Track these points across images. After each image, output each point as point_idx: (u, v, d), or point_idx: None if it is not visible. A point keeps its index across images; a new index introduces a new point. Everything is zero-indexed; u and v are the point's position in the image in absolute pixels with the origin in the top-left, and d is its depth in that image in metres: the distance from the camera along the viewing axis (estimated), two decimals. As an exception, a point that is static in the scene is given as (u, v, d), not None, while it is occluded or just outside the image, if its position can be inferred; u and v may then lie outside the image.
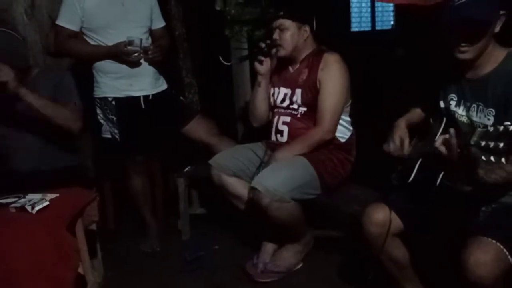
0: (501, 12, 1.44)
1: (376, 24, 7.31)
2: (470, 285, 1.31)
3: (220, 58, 2.13)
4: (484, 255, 1.29)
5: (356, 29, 7.20)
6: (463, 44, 1.44)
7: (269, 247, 2.19)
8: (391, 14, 7.20)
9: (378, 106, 3.48)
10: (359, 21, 7.25)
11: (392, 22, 7.19)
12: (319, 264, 2.16)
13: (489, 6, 1.39)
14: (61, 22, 2.26)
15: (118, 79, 2.31)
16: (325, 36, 2.23)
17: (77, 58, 2.41)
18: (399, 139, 1.75)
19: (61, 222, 1.52)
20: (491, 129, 1.18)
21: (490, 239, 1.32)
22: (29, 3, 2.64)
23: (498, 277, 1.30)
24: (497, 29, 1.45)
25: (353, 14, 7.07)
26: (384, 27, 7.27)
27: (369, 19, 7.26)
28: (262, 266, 2.13)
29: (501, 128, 1.15)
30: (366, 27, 7.30)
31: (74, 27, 2.25)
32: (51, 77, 1.98)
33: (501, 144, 1.14)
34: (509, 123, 1.15)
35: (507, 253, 1.32)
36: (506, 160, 1.16)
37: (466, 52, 1.45)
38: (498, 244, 1.31)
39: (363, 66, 4.45)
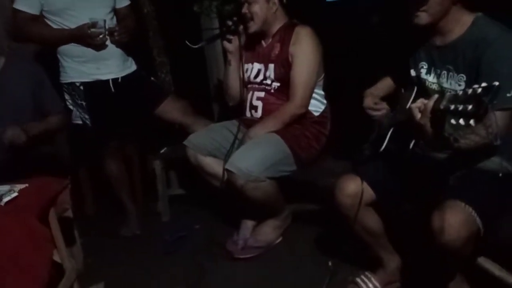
0: None
1: (352, -8, 7.24)
2: (440, 248, 1.33)
3: (187, 42, 2.08)
4: (452, 217, 1.31)
5: (332, -1, 7.12)
6: (414, 9, 1.43)
7: (248, 224, 2.21)
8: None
9: (353, 77, 3.47)
10: (334, -10, 7.16)
11: (367, -10, 7.11)
12: (298, 238, 2.19)
13: None
14: (19, 5, 2.17)
15: (84, 63, 2.25)
16: (298, 7, 2.20)
17: (40, 43, 2.34)
18: (372, 103, 1.74)
19: (31, 212, 1.49)
20: (460, 92, 1.18)
21: (458, 202, 1.34)
22: (-12, -15, 2.53)
23: (466, 239, 1.32)
24: None
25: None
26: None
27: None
28: (242, 242, 2.15)
29: (470, 91, 1.15)
30: (342, -4, 7.23)
31: (34, 10, 2.17)
32: (21, 69, 1.93)
33: (470, 107, 1.13)
34: (477, 86, 1.15)
35: (476, 215, 1.34)
36: (475, 123, 1.16)
37: (419, 17, 1.44)
38: (466, 206, 1.33)
39: (338, 36, 4.43)
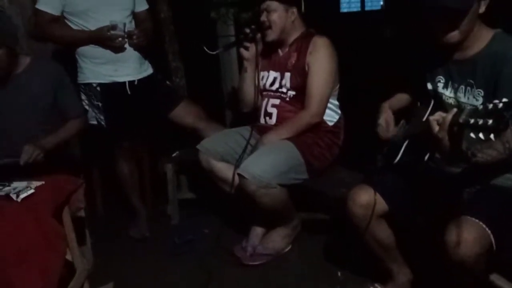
0: None
1: (366, 4, 7.27)
2: (453, 264, 1.33)
3: (204, 48, 2.10)
4: (466, 234, 1.31)
5: (346, 10, 7.15)
6: (445, 30, 1.43)
7: (258, 231, 2.21)
8: (381, -6, 7.16)
9: (367, 88, 3.47)
10: (348, 1, 7.20)
11: (381, 3, 7.14)
12: (307, 247, 2.19)
13: None
14: (41, 6, 2.20)
15: (102, 64, 2.28)
16: (314, 18, 2.21)
17: (59, 43, 2.37)
18: (385, 121, 1.76)
19: (46, 209, 1.51)
20: (480, 106, 1.18)
21: (472, 218, 1.34)
22: (11, -15, 2.58)
23: (480, 256, 1.32)
24: (482, 9, 1.44)
25: (342, -5, 7.02)
26: (374, 8, 7.23)
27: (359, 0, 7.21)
28: (251, 249, 2.15)
29: (490, 105, 1.15)
30: (356, 7, 7.26)
31: (55, 11, 2.20)
32: (45, 70, 1.96)
33: (490, 121, 1.13)
34: (497, 101, 1.15)
35: (489, 232, 1.33)
36: (494, 138, 1.16)
37: (451, 37, 1.44)
38: (480, 223, 1.33)
39: (353, 48, 4.44)
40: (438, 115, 1.31)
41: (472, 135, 1.16)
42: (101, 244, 2.24)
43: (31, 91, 1.91)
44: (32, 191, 1.56)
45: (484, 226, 1.33)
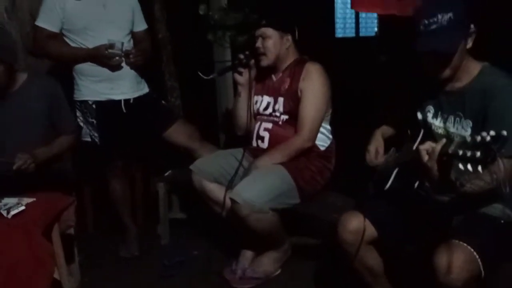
0: (471, 29, 1.47)
1: (360, 30, 7.40)
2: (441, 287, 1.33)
3: (199, 73, 2.13)
4: (456, 257, 1.33)
5: (341, 35, 7.28)
6: (435, 65, 1.48)
7: (248, 254, 2.21)
8: (375, 21, 7.29)
9: (360, 113, 3.52)
10: (343, 27, 7.33)
11: (376, 29, 7.28)
12: (297, 271, 2.18)
13: (452, 34, 1.42)
14: (41, 22, 2.23)
15: (98, 82, 2.30)
16: (309, 42, 2.26)
17: (57, 60, 2.39)
18: (374, 149, 1.79)
19: (36, 227, 1.51)
20: (469, 138, 1.21)
21: (461, 243, 1.36)
22: (10, 1, 2.61)
23: (468, 281, 1.33)
24: (469, 45, 1.49)
25: (337, 20, 7.15)
26: (368, 34, 7.36)
27: (353, 25, 7.34)
28: (240, 272, 2.14)
29: (479, 138, 1.18)
30: (351, 33, 7.39)
31: (54, 28, 2.23)
32: (41, 86, 1.98)
33: (478, 153, 1.17)
34: (486, 133, 1.19)
35: (477, 257, 1.35)
36: (482, 169, 1.19)
37: (441, 72, 1.49)
38: (469, 247, 1.35)
39: (347, 73, 4.52)
40: (428, 144, 1.34)
41: (460, 166, 1.19)
42: (89, 262, 2.22)
43: (26, 108, 1.92)
44: (23, 208, 1.56)
45: (472, 250, 1.35)
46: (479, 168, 1.15)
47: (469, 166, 1.17)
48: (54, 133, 2.02)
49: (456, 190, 1.33)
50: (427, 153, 1.32)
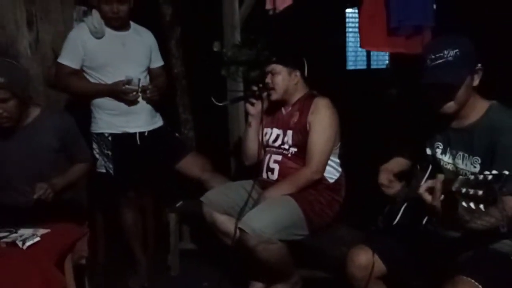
0: (478, 66, 1.51)
1: (372, 62, 7.49)
2: None
3: (212, 99, 2.20)
4: None
5: (352, 67, 7.37)
6: (441, 101, 1.51)
7: (257, 286, 2.20)
8: (386, 53, 7.39)
9: (370, 146, 3.54)
10: (354, 59, 7.43)
11: (387, 61, 7.37)
12: (306, 305, 2.16)
13: (458, 68, 1.46)
14: (63, 60, 2.34)
15: (115, 115, 2.38)
16: (320, 74, 2.31)
17: (77, 95, 2.49)
18: (386, 179, 1.80)
19: (50, 258, 1.54)
20: (472, 177, 1.24)
21: (468, 278, 1.36)
22: (33, 37, 2.76)
23: None
24: (475, 82, 1.52)
25: (349, 53, 7.26)
26: (380, 66, 7.44)
27: (365, 57, 7.43)
28: (249, 305, 2.13)
29: (481, 177, 1.21)
30: (362, 65, 7.48)
31: (75, 65, 2.34)
32: (54, 121, 2.00)
33: (480, 192, 1.19)
34: (488, 172, 1.21)
35: None
36: (484, 208, 1.20)
37: (447, 108, 1.52)
38: (476, 283, 1.35)
39: (357, 105, 4.55)
40: (430, 183, 1.36)
41: (464, 203, 1.21)
42: (99, 293, 2.23)
43: (37, 142, 1.94)
44: (38, 239, 1.59)
45: (480, 286, 1.35)
46: (481, 206, 1.17)
47: (471, 204, 1.19)
48: (64, 166, 2.04)
49: (462, 226, 1.34)
50: (430, 193, 1.34)
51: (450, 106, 1.51)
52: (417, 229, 1.58)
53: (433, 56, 1.48)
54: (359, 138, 3.60)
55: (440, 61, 1.46)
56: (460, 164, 1.56)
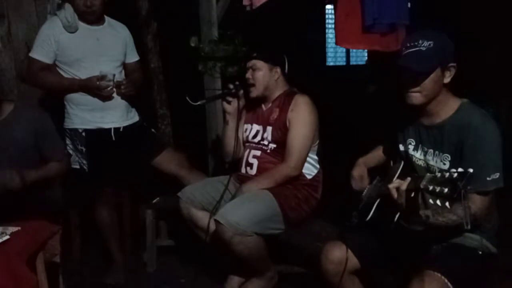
0: (451, 64, 1.54)
1: (351, 59, 7.56)
2: None
3: (187, 99, 2.19)
4: (429, 286, 1.35)
5: (332, 64, 7.43)
6: (409, 90, 1.54)
7: (234, 281, 2.21)
8: (365, 50, 7.46)
9: (348, 143, 3.58)
10: (334, 55, 7.49)
11: (366, 58, 7.45)
12: (283, 299, 2.19)
13: (427, 58, 1.49)
14: (35, 54, 2.29)
15: (89, 111, 2.34)
16: (300, 70, 2.32)
17: (50, 90, 2.43)
18: (358, 174, 1.83)
19: (20, 257, 1.51)
20: (438, 175, 1.27)
21: (435, 272, 1.40)
22: (5, 30, 2.68)
23: None
24: (447, 79, 1.55)
25: (328, 49, 7.31)
26: (359, 63, 7.52)
27: (344, 54, 7.50)
28: (226, 300, 2.13)
29: (447, 174, 1.24)
30: (341, 62, 7.54)
31: (48, 60, 2.28)
32: (27, 118, 1.96)
33: (446, 190, 1.23)
34: (454, 170, 1.24)
35: (451, 286, 1.38)
36: (449, 205, 1.24)
37: (414, 98, 1.54)
38: (443, 277, 1.39)
39: (337, 101, 4.61)
40: (398, 182, 1.41)
41: (431, 200, 1.24)
42: (74, 290, 2.21)
43: (11, 139, 1.90)
44: (7, 237, 1.56)
45: (446, 280, 1.39)
46: (447, 203, 1.21)
47: (438, 201, 1.22)
48: (39, 163, 2.00)
49: (423, 223, 1.37)
50: (397, 190, 1.38)
51: (417, 96, 1.53)
52: (389, 224, 1.61)
53: (408, 44, 1.52)
54: (338, 135, 3.64)
55: (413, 49, 1.50)
56: (431, 160, 1.60)
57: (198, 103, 2.26)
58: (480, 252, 1.51)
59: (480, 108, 1.55)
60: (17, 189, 1.81)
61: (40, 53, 2.27)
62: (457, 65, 1.54)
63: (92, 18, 2.31)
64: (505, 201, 1.62)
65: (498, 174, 1.44)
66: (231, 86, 2.24)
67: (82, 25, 2.31)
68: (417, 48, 1.49)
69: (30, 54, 2.30)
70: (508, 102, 4.29)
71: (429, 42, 1.49)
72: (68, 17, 2.25)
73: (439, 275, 1.39)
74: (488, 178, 1.43)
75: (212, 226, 2.04)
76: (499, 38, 4.24)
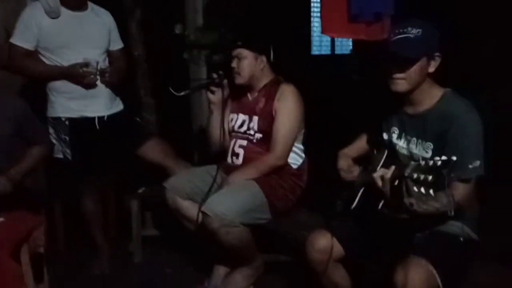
0: (436, 54, 1.56)
1: (336, 48, 7.56)
2: None
3: (171, 89, 2.17)
4: (414, 274, 1.39)
5: (317, 53, 7.42)
6: (393, 76, 1.55)
7: (221, 270, 2.22)
8: (350, 39, 7.46)
9: (334, 132, 3.60)
10: (319, 44, 7.49)
11: (351, 47, 7.46)
12: (269, 288, 2.21)
13: (415, 45, 1.50)
14: (16, 40, 2.23)
15: (72, 99, 2.30)
16: (285, 59, 2.31)
17: (32, 78, 2.38)
18: (346, 165, 1.84)
19: (4, 248, 1.49)
20: (423, 163, 1.29)
21: (420, 259, 1.43)
22: (-17, 14, 2.60)
23: None
24: (431, 69, 1.56)
25: (313, 37, 7.30)
26: (344, 52, 7.53)
27: (329, 43, 7.50)
28: (212, 289, 2.15)
29: (431, 162, 1.26)
30: (326, 51, 7.54)
31: (29, 46, 2.23)
32: (7, 107, 1.93)
33: (430, 177, 1.25)
34: (438, 158, 1.26)
35: (436, 273, 1.42)
36: (434, 192, 1.26)
37: (398, 84, 1.55)
38: (427, 264, 1.42)
39: (322, 90, 4.62)
40: (382, 171, 1.43)
41: (415, 188, 1.27)
42: (59, 281, 2.19)
43: None
44: (-10, 228, 1.54)
45: (431, 267, 1.42)
46: (431, 191, 1.23)
47: (422, 189, 1.24)
48: (20, 151, 1.98)
49: (407, 210, 1.40)
50: (381, 179, 1.40)
51: (401, 83, 1.54)
52: (374, 212, 1.64)
53: (396, 31, 1.53)
54: (323, 123, 3.66)
55: (401, 36, 1.51)
56: (414, 149, 1.62)
57: (182, 93, 2.24)
58: (462, 239, 1.55)
59: (462, 97, 1.58)
60: (9, 191, 1.79)
61: (22, 39, 2.22)
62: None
63: (75, 3, 2.26)
64: (486, 189, 1.65)
65: (478, 162, 1.47)
66: (215, 76, 2.22)
67: (64, 10, 2.25)
68: (406, 35, 1.50)
69: (11, 40, 2.24)
70: (490, 92, 4.38)
71: (417, 30, 1.50)
72: (50, 2, 2.19)
73: (423, 261, 1.42)
74: (470, 166, 1.46)
75: (199, 217, 2.04)
76: (496, 32, 4.32)
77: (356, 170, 1.82)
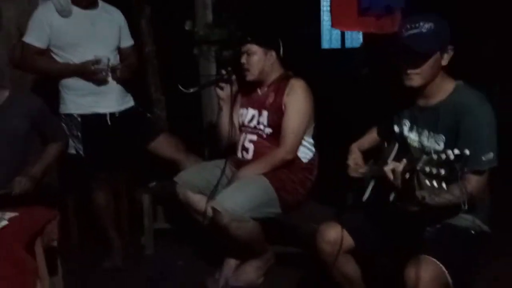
0: (449, 46, 1.55)
1: (346, 42, 7.51)
2: None
3: (180, 86, 2.18)
4: (424, 273, 1.38)
5: (327, 47, 7.38)
6: (408, 72, 1.53)
7: (231, 263, 2.24)
8: (360, 32, 7.40)
9: (344, 124, 3.59)
10: (329, 38, 7.44)
11: (361, 41, 7.40)
12: (279, 280, 2.22)
13: (429, 40, 1.49)
14: (28, 39, 2.26)
15: (84, 96, 2.33)
16: (295, 53, 2.31)
17: (44, 75, 2.42)
18: (353, 161, 1.85)
19: (18, 242, 1.52)
20: (435, 156, 1.28)
21: (431, 258, 1.42)
22: (-3, 14, 2.64)
23: None
24: (444, 62, 1.55)
25: (323, 32, 7.25)
26: (354, 45, 7.47)
27: (339, 37, 7.44)
28: (223, 281, 2.17)
29: (444, 156, 1.25)
30: (336, 45, 7.49)
31: (42, 45, 2.26)
32: (23, 104, 1.95)
33: (442, 171, 1.24)
34: (451, 152, 1.25)
35: (446, 272, 1.41)
36: (446, 186, 1.26)
37: (412, 80, 1.54)
38: (438, 263, 1.41)
39: (332, 84, 4.60)
40: (393, 164, 1.42)
41: (427, 182, 1.26)
42: (73, 274, 2.22)
43: (8, 126, 1.90)
44: (5, 222, 1.56)
45: (441, 265, 1.41)
46: (443, 185, 1.22)
47: (434, 183, 1.24)
48: (37, 148, 2.00)
49: (419, 203, 1.39)
50: (393, 172, 1.39)
51: (416, 78, 1.53)
52: (385, 205, 1.64)
53: (408, 26, 1.51)
54: (333, 117, 3.65)
55: (415, 31, 1.50)
56: (425, 141, 1.61)
57: (191, 90, 2.25)
58: (473, 232, 1.54)
59: (474, 90, 1.56)
60: (31, 190, 1.82)
61: (34, 38, 2.25)
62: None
63: (86, 2, 2.29)
64: (498, 181, 1.64)
65: (492, 154, 1.46)
66: (223, 72, 2.23)
67: (75, 9, 2.28)
68: (418, 30, 1.49)
69: (24, 39, 2.28)
70: (500, 86, 4.33)
71: (429, 24, 1.49)
72: (62, 1, 2.22)
73: (434, 260, 1.41)
74: (483, 158, 1.45)
75: (209, 212, 2.05)
76: (496, 32, 4.26)
77: (362, 168, 1.82)
